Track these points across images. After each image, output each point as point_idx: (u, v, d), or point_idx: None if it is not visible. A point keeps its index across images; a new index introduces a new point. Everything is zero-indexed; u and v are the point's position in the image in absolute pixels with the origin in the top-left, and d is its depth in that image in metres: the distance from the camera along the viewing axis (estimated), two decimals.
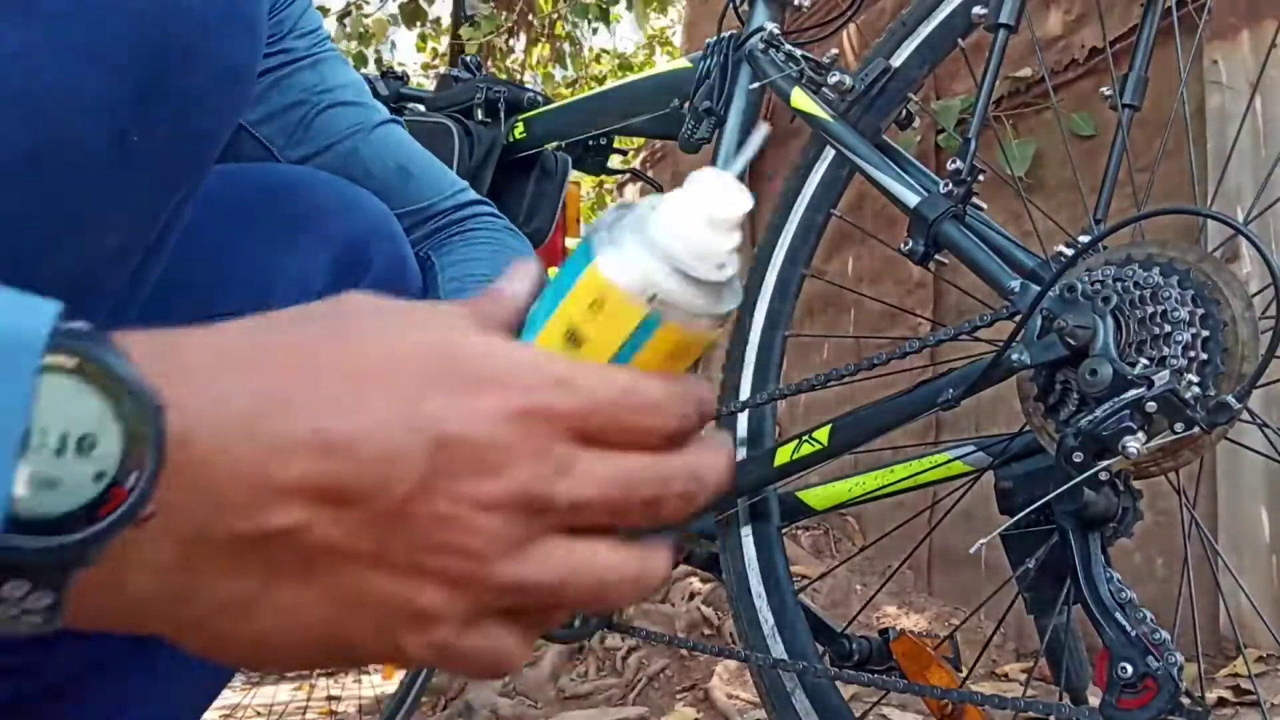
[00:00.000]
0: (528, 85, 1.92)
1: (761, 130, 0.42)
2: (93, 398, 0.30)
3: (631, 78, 1.76)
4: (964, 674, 1.20)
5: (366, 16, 6.22)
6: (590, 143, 1.72)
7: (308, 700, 2.83)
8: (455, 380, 0.36)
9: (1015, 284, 1.01)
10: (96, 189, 0.44)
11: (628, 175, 2.58)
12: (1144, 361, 0.89)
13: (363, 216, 0.70)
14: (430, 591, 0.36)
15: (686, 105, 1.44)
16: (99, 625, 0.35)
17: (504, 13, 5.31)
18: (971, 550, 0.89)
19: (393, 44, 6.43)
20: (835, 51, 1.28)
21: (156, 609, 0.35)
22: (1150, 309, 0.90)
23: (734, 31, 1.41)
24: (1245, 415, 0.92)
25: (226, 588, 0.35)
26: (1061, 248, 1.02)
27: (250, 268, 0.61)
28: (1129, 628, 0.87)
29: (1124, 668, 0.85)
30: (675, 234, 0.38)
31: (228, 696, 2.74)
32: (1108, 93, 1.08)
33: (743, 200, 0.38)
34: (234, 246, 0.62)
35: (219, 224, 0.58)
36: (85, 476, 0.30)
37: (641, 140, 3.77)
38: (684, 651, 2.30)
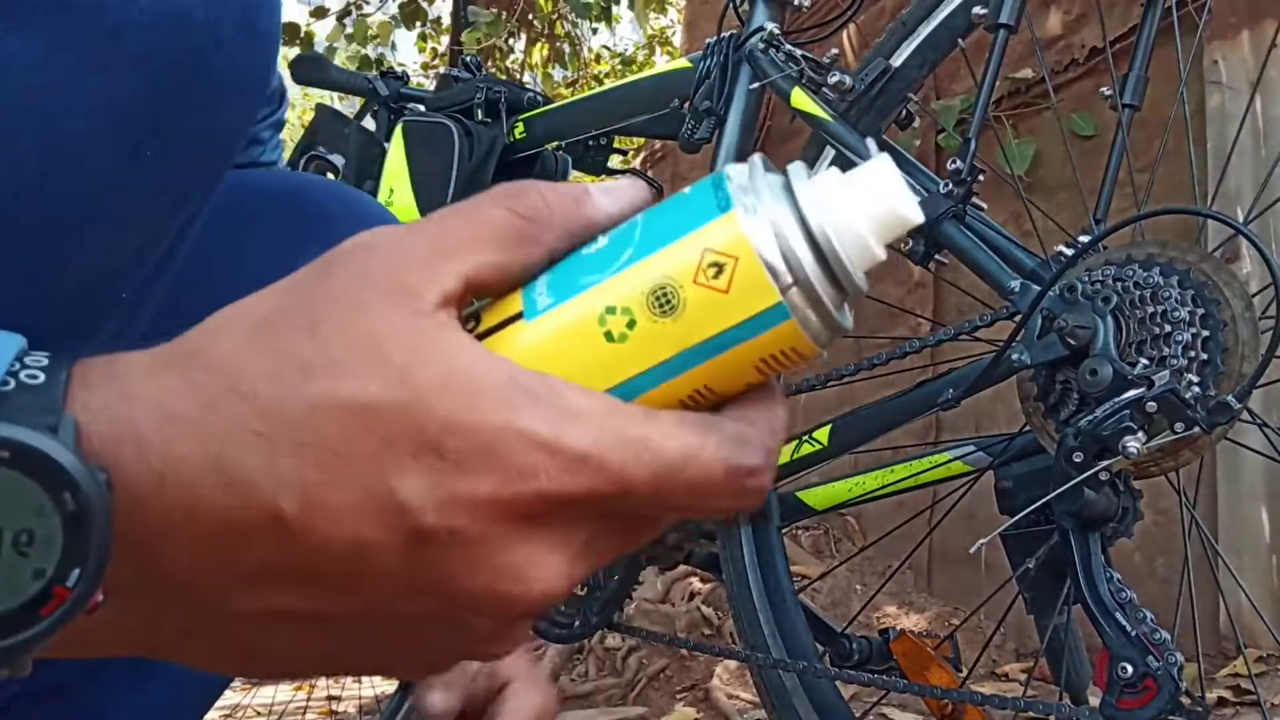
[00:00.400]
0: (528, 85, 1.92)
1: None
2: (31, 489, 0.28)
3: (631, 78, 1.76)
4: (964, 674, 1.20)
5: (366, 16, 6.23)
6: (590, 143, 1.72)
7: (308, 700, 2.83)
8: (433, 450, 0.29)
9: (1015, 284, 1.01)
10: (109, 199, 0.44)
11: (627, 175, 2.58)
12: (1144, 361, 0.89)
13: (366, 221, 0.70)
14: (416, 662, 0.34)
15: (686, 105, 1.44)
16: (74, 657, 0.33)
17: (503, 13, 5.31)
18: (971, 550, 0.89)
19: (393, 44, 6.43)
20: (835, 51, 1.28)
21: (134, 652, 0.34)
22: (1150, 309, 0.90)
23: (734, 31, 1.41)
24: (1245, 415, 0.92)
25: (203, 648, 0.33)
26: (1061, 248, 1.02)
27: (255, 271, 0.61)
28: (1129, 628, 0.87)
29: (1124, 668, 0.85)
30: (835, 217, 0.30)
31: (228, 696, 2.74)
32: (1108, 93, 1.08)
33: (915, 208, 0.31)
34: (239, 249, 0.62)
35: (224, 227, 0.58)
36: (24, 575, 0.28)
37: (641, 140, 3.77)
38: (684, 651, 2.30)
